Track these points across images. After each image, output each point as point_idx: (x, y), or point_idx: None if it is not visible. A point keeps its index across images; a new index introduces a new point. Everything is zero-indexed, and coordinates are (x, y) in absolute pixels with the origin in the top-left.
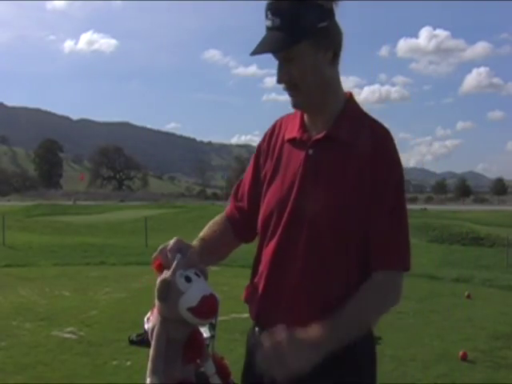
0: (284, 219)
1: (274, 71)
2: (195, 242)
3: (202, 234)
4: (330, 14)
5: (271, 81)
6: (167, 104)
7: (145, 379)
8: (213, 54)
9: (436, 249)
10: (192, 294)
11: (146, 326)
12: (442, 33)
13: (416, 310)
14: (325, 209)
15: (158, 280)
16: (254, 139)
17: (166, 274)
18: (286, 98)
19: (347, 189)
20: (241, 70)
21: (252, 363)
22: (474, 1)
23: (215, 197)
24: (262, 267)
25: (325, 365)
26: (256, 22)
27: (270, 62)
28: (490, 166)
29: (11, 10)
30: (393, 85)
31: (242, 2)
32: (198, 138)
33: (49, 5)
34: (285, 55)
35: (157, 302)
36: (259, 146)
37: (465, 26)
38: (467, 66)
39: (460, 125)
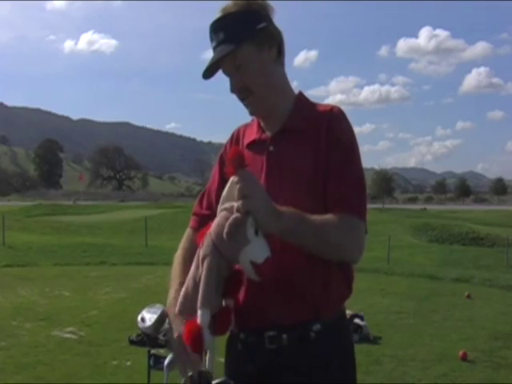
0: None
1: None
2: (174, 293)
3: (177, 279)
4: (267, 17)
5: None
6: (167, 104)
7: (145, 379)
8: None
9: (436, 249)
10: (259, 249)
11: (141, 326)
12: (441, 33)
13: (416, 310)
14: (295, 199)
15: (233, 216)
16: None
17: (236, 214)
18: None
19: (308, 174)
20: None
21: (239, 369)
22: (473, 1)
23: None
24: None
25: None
26: None
27: None
28: (490, 166)
29: (11, 10)
30: (392, 85)
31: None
32: (198, 138)
33: (49, 5)
34: (232, 65)
35: (217, 235)
36: (221, 155)
37: (465, 26)
38: (467, 66)
39: (460, 125)
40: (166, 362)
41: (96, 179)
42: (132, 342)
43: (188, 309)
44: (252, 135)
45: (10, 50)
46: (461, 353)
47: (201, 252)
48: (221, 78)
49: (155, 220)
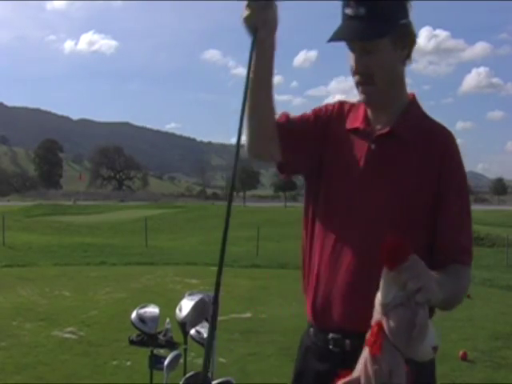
0: (343, 217)
1: (274, 71)
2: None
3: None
4: (408, 12)
5: None
6: (167, 104)
7: (145, 379)
8: (212, 54)
9: None
10: (433, 332)
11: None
12: (441, 33)
13: None
14: (386, 208)
15: (422, 317)
16: None
17: (419, 308)
18: (285, 97)
19: (408, 189)
20: (241, 70)
21: (306, 365)
22: (473, 1)
23: (215, 197)
24: (321, 266)
25: None
26: None
27: None
28: (490, 166)
29: (11, 9)
30: None
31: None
32: (198, 138)
33: (49, 5)
34: (364, 47)
35: (400, 336)
36: (328, 109)
37: (464, 27)
38: (467, 66)
39: (460, 125)
40: (166, 362)
41: (96, 179)
42: (132, 342)
43: None
44: (357, 122)
45: (9, 50)
46: (461, 353)
47: (378, 367)
48: (221, 78)
49: (155, 220)
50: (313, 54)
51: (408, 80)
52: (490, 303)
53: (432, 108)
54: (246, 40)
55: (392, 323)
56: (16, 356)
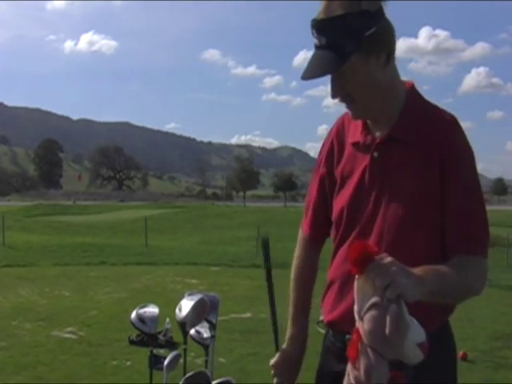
0: (354, 227)
1: (273, 71)
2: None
3: (294, 310)
4: (377, 17)
5: (270, 81)
6: (167, 104)
7: (145, 379)
8: (212, 54)
9: None
10: (418, 328)
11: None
12: (441, 33)
13: None
14: (395, 219)
15: (390, 310)
16: (254, 139)
17: (390, 306)
18: (285, 97)
19: (414, 190)
20: (240, 70)
21: (327, 365)
22: (473, 1)
23: (215, 197)
24: (332, 276)
25: None
26: (256, 22)
27: (270, 63)
28: (490, 166)
29: (11, 9)
30: None
31: (242, 2)
32: (198, 138)
33: (49, 5)
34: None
35: (376, 339)
36: (325, 148)
37: (464, 27)
38: (466, 66)
39: None
40: (166, 362)
41: (96, 179)
42: (132, 342)
43: None
44: (356, 135)
45: (9, 49)
46: (461, 353)
47: (358, 372)
48: (221, 78)
49: (155, 220)
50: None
51: (408, 80)
52: (489, 303)
53: None
54: (246, 40)
55: (366, 325)
56: (16, 356)
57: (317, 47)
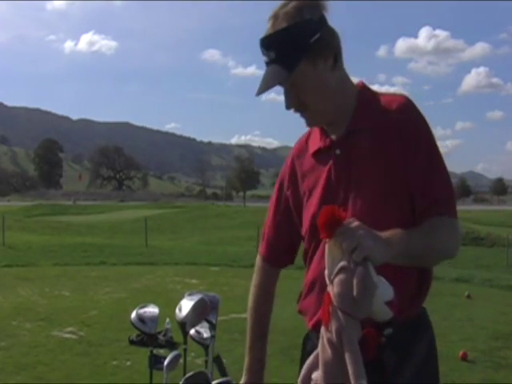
0: None
1: None
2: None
3: (252, 341)
4: (320, 24)
5: None
6: (167, 104)
7: (145, 379)
8: (212, 54)
9: None
10: (385, 287)
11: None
12: (441, 33)
13: None
14: (366, 206)
15: (357, 272)
16: (254, 139)
17: (358, 268)
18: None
19: (382, 175)
20: (240, 70)
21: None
22: (473, 1)
23: (215, 197)
24: (312, 277)
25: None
26: (255, 22)
27: None
28: (490, 166)
29: (11, 9)
30: (392, 85)
31: (242, 2)
32: (198, 138)
33: (49, 5)
34: (286, 83)
35: (345, 301)
36: (281, 182)
37: (464, 27)
38: (466, 66)
39: (459, 125)
40: (166, 362)
41: (96, 179)
42: (132, 342)
43: None
44: (316, 143)
45: (9, 49)
46: (461, 353)
47: (330, 334)
48: (221, 78)
49: (155, 220)
50: None
51: (408, 80)
52: (490, 303)
53: (432, 108)
54: (246, 40)
55: (335, 289)
56: (16, 356)
57: (267, 63)
